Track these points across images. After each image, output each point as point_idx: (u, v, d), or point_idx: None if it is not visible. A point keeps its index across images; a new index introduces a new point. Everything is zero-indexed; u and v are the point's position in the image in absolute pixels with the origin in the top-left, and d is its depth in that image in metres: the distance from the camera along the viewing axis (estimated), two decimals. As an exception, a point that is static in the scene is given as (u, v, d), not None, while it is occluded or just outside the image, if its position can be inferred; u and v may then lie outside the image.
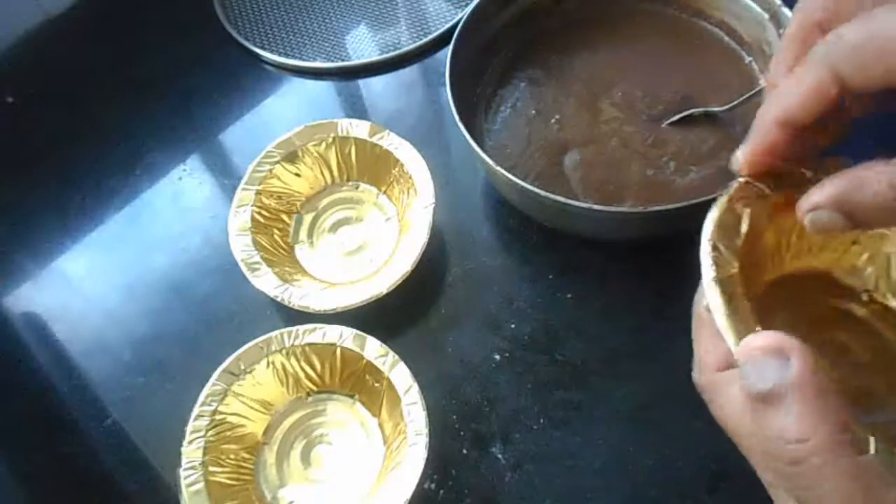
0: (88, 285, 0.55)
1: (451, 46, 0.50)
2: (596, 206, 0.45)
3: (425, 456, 0.41)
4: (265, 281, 0.48)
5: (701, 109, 0.51)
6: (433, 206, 0.49)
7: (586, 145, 0.52)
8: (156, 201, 0.58)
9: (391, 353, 0.44)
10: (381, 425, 0.45)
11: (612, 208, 0.46)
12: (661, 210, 0.43)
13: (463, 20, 0.52)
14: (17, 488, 0.48)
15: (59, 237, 0.57)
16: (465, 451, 0.45)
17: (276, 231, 0.52)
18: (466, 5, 0.64)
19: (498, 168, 0.45)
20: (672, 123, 0.52)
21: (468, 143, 0.47)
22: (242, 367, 0.45)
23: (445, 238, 0.53)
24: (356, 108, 0.62)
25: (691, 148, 0.50)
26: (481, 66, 0.55)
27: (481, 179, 0.56)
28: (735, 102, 0.50)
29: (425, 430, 0.41)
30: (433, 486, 0.44)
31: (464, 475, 0.44)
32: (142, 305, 0.53)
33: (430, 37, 0.63)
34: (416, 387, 0.43)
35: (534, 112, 0.54)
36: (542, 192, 0.44)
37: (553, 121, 0.53)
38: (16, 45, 0.67)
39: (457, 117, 0.47)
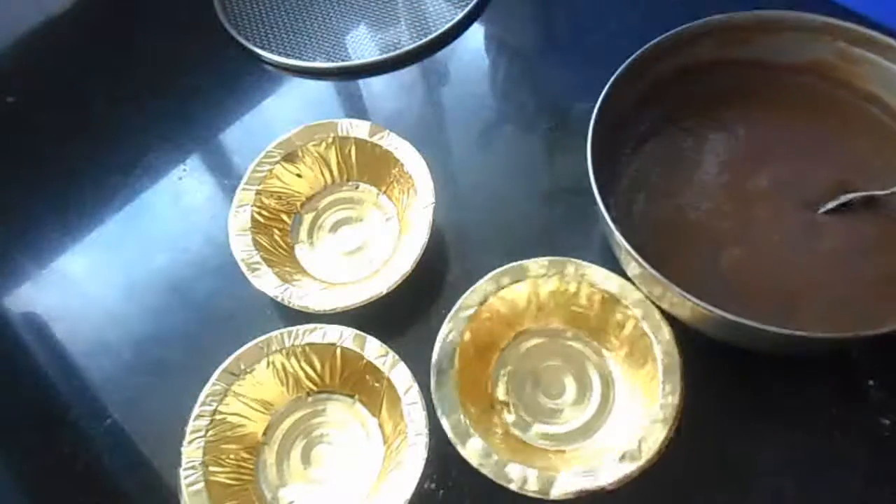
0: (88, 285, 0.55)
1: (589, 133, 0.45)
2: (778, 330, 0.39)
3: (425, 456, 0.41)
4: (265, 281, 0.48)
5: (861, 194, 0.46)
6: (433, 206, 0.49)
7: (742, 242, 0.46)
8: (156, 201, 0.58)
9: (391, 353, 0.44)
10: (381, 425, 0.45)
11: (800, 333, 0.39)
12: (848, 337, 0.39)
13: (602, 96, 0.47)
14: (17, 488, 0.48)
15: (59, 237, 0.57)
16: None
17: (276, 231, 0.52)
18: (466, 5, 0.65)
19: (663, 279, 0.40)
20: (829, 211, 0.47)
21: (616, 239, 0.42)
22: (242, 367, 0.45)
23: (445, 238, 0.53)
24: (356, 108, 0.62)
25: (859, 240, 0.45)
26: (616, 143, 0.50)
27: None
28: None
29: (425, 430, 0.41)
30: (433, 486, 0.44)
31: (464, 475, 0.44)
32: (142, 305, 0.53)
33: (430, 37, 0.63)
34: (415, 387, 0.43)
35: (676, 199, 0.48)
36: (718, 312, 0.39)
37: (702, 210, 0.48)
38: (16, 45, 0.67)
39: (602, 208, 0.43)
